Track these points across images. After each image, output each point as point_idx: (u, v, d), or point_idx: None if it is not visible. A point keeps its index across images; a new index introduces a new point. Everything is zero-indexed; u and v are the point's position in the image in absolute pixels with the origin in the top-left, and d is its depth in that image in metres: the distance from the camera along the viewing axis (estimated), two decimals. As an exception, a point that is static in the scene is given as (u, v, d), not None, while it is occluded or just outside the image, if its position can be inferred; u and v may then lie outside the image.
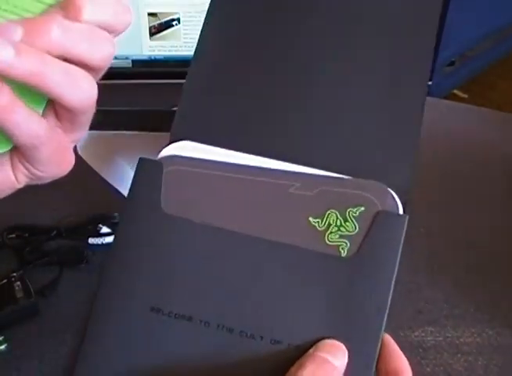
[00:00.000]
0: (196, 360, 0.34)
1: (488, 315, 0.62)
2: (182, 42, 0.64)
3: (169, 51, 0.65)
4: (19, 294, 0.59)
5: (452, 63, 1.90)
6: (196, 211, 0.36)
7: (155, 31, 0.64)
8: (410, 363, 0.34)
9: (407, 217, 0.35)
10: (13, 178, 0.35)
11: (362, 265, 0.34)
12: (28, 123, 0.32)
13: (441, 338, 0.60)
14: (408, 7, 0.39)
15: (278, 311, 0.34)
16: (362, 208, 0.35)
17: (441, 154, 0.83)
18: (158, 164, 0.37)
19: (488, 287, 0.65)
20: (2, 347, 0.57)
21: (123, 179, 0.73)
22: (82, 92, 0.32)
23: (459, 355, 0.59)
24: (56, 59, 0.31)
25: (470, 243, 0.71)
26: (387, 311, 0.34)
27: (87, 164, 0.77)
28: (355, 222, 0.35)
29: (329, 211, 0.35)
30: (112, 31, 0.33)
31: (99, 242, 0.67)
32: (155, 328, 0.35)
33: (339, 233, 0.35)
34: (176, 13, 0.63)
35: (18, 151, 0.34)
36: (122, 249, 0.36)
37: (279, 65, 0.39)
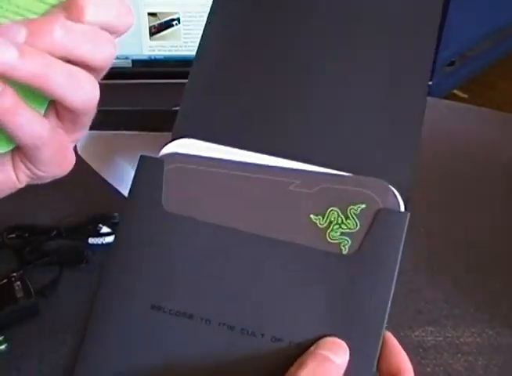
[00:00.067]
0: (196, 358, 0.34)
1: (488, 315, 0.62)
2: (182, 42, 0.64)
3: (169, 51, 0.65)
4: (19, 294, 0.59)
5: (452, 63, 1.90)
6: (197, 208, 0.36)
7: (155, 31, 0.64)
8: (411, 363, 0.34)
9: (408, 214, 0.35)
10: (14, 178, 0.35)
11: (364, 263, 0.34)
12: (31, 124, 0.32)
13: (441, 338, 0.60)
14: (408, 7, 0.39)
15: (279, 308, 0.34)
16: (364, 205, 0.35)
17: (442, 154, 0.83)
18: (159, 162, 0.37)
19: (488, 287, 0.65)
20: (2, 347, 0.57)
21: (123, 179, 0.73)
22: (84, 93, 0.32)
23: (459, 355, 0.59)
24: (59, 61, 0.31)
25: (470, 243, 0.71)
26: (388, 309, 0.34)
27: (87, 164, 0.77)
28: (357, 220, 0.35)
29: (330, 209, 0.35)
30: (114, 32, 0.33)
31: (99, 242, 0.67)
32: (156, 326, 0.35)
33: (340, 230, 0.35)
34: (176, 13, 0.63)
35: (20, 151, 0.34)
36: (123, 247, 0.36)
37: (279, 65, 0.39)
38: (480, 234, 0.72)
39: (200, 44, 0.40)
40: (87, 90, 0.32)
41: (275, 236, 0.35)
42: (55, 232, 0.67)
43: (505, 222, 0.74)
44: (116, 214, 0.67)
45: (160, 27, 0.63)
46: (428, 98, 0.38)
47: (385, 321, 0.34)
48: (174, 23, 0.63)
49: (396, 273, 0.34)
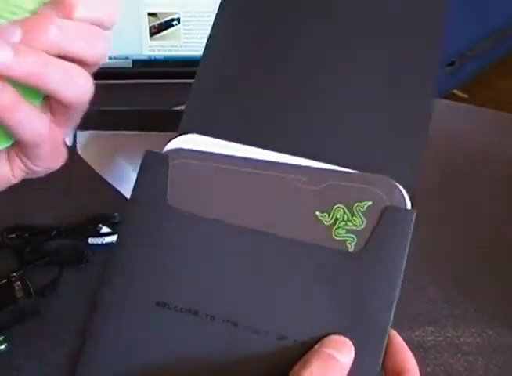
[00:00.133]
0: (200, 355, 0.34)
1: (488, 315, 0.62)
2: (182, 42, 0.64)
3: (169, 51, 0.65)
4: (19, 294, 0.59)
5: (452, 63, 1.90)
6: (202, 204, 0.36)
7: (155, 31, 0.64)
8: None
9: (415, 212, 0.35)
10: (10, 173, 0.36)
11: (370, 261, 0.34)
12: (31, 121, 0.32)
13: (441, 338, 0.60)
14: (408, 7, 0.39)
15: (284, 306, 0.34)
16: (370, 203, 0.35)
17: (442, 154, 0.83)
18: (164, 158, 0.37)
19: (488, 287, 0.65)
20: (2, 347, 0.57)
21: (123, 179, 0.73)
22: (78, 88, 0.33)
23: (459, 355, 0.59)
24: (54, 59, 0.31)
25: (470, 243, 0.71)
26: (394, 307, 0.33)
27: (87, 164, 0.77)
28: (363, 217, 0.35)
29: (336, 206, 0.35)
30: (103, 28, 0.33)
31: (99, 242, 0.67)
32: (161, 322, 0.34)
33: (346, 227, 0.35)
34: (176, 13, 0.63)
35: (16, 147, 0.34)
36: (127, 244, 0.36)
37: (279, 65, 0.39)
38: (480, 234, 0.72)
39: (206, 44, 0.40)
40: (81, 85, 0.33)
41: (280, 233, 0.35)
42: (55, 232, 0.67)
43: (505, 222, 0.74)
44: (116, 214, 0.67)
45: (160, 27, 0.63)
46: (428, 98, 0.38)
47: (391, 319, 0.33)
48: (174, 23, 0.63)
49: (402, 271, 0.34)
